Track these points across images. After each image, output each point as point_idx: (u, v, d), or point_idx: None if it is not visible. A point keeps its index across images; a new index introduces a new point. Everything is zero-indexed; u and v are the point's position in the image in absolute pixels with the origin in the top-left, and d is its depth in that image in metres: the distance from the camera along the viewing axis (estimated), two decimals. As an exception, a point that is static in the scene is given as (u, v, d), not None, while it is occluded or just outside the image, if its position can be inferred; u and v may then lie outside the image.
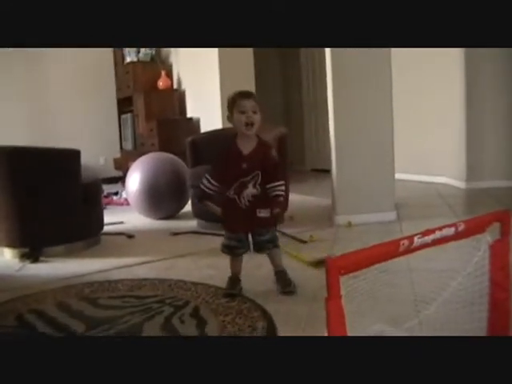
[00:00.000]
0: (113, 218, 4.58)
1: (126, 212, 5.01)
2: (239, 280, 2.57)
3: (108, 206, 5.36)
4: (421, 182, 5.85)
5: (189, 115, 6.91)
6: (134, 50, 7.26)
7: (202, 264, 3.11)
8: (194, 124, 6.62)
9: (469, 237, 1.41)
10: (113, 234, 4.04)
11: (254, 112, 2.37)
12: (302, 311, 2.26)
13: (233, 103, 2.39)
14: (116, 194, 5.93)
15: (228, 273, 2.59)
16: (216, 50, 5.91)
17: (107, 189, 5.85)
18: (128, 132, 7.56)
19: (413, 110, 5.94)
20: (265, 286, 2.61)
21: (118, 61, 7.74)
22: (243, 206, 2.45)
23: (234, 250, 2.52)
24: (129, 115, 7.48)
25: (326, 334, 1.13)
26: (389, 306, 1.98)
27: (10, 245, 3.52)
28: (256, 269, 2.61)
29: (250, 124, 2.37)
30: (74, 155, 3.59)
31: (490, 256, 1.47)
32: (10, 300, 2.65)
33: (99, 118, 7.76)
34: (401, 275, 2.53)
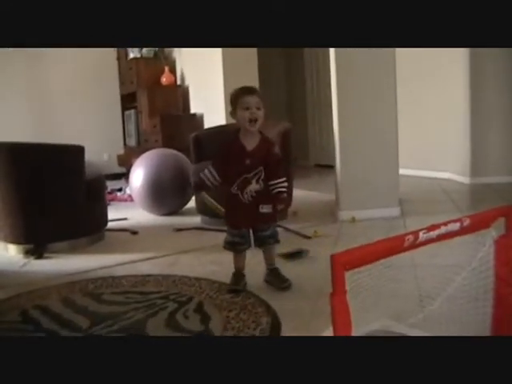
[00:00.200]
0: (116, 215, 4.58)
1: (130, 208, 5.02)
2: (243, 275, 2.57)
3: (112, 203, 5.36)
4: (425, 178, 5.84)
5: (192, 111, 6.90)
6: (137, 45, 7.25)
7: (206, 260, 3.12)
8: (197, 120, 6.61)
9: (474, 232, 1.41)
10: (116, 230, 4.05)
11: (258, 108, 2.36)
12: (306, 306, 2.26)
13: (236, 99, 2.38)
14: (120, 190, 5.94)
15: (232, 268, 2.59)
16: (219, 45, 5.90)
17: (111, 185, 5.86)
18: (131, 128, 7.55)
19: (417, 106, 5.92)
20: (269, 282, 2.61)
21: (121, 57, 7.73)
22: (246, 201, 2.44)
23: (237, 247, 2.52)
24: (132, 111, 7.48)
25: (330, 330, 1.13)
26: (393, 301, 1.98)
27: (15, 241, 3.53)
28: (259, 265, 2.61)
29: (253, 120, 2.36)
30: (77, 151, 3.59)
31: (495, 251, 1.47)
32: (15, 296, 2.66)
33: (103, 115, 7.77)
34: (405, 271, 2.53)
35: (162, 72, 7.04)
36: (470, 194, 5.02)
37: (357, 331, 1.19)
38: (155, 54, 7.29)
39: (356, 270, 1.15)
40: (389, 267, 1.33)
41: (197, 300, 2.44)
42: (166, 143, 6.09)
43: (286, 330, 2.04)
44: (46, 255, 3.41)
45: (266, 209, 2.44)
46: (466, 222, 1.35)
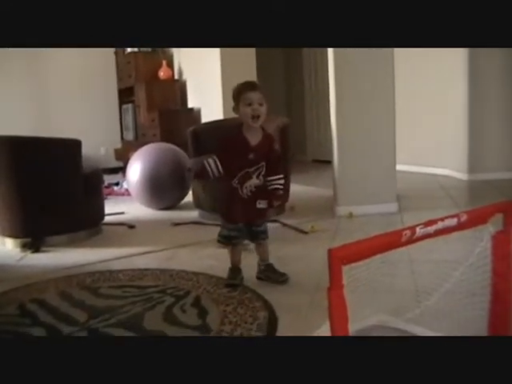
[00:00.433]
0: (114, 209, 4.58)
1: (127, 202, 5.02)
2: (240, 270, 2.58)
3: (109, 197, 5.36)
4: (423, 174, 5.84)
5: (190, 106, 6.89)
6: (135, 40, 7.21)
7: (203, 254, 3.12)
8: (195, 114, 6.60)
9: (471, 228, 1.41)
10: (114, 225, 4.04)
11: (261, 104, 2.35)
12: (303, 301, 2.26)
13: (239, 95, 2.37)
14: (117, 184, 5.93)
15: (229, 263, 2.59)
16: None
17: (108, 179, 5.84)
18: (129, 122, 7.53)
19: (415, 102, 5.92)
20: (266, 277, 2.61)
21: (119, 51, 7.71)
22: (245, 196, 2.45)
23: (233, 240, 2.52)
24: (130, 105, 7.46)
25: (327, 324, 1.13)
26: (390, 296, 1.98)
27: (12, 235, 3.53)
28: (257, 259, 2.61)
29: (256, 117, 2.35)
30: (74, 145, 3.59)
31: (493, 247, 1.47)
32: (12, 289, 2.66)
33: (100, 109, 7.75)
34: (402, 266, 2.53)
35: (160, 66, 7.02)
36: (467, 190, 5.02)
37: (354, 326, 1.20)
38: (153, 48, 7.26)
39: (353, 264, 1.15)
40: (386, 262, 1.33)
41: (194, 294, 2.44)
42: (164, 137, 6.08)
43: (283, 325, 2.04)
44: (43, 249, 3.41)
45: (262, 204, 2.45)
46: (464, 218, 1.35)
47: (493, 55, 5.21)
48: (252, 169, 2.43)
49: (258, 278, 2.59)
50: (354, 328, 1.20)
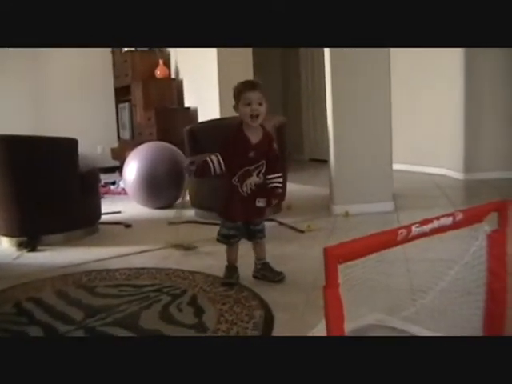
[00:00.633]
0: (110, 208, 4.58)
1: (124, 201, 5.01)
2: (236, 268, 2.58)
3: (105, 196, 5.35)
4: (419, 173, 5.85)
5: (186, 105, 6.89)
6: (132, 38, 7.20)
7: (200, 253, 3.12)
8: (191, 113, 6.59)
9: (466, 226, 1.42)
10: (110, 224, 4.04)
11: (260, 104, 2.37)
12: (299, 300, 2.27)
13: (239, 94, 2.39)
14: (113, 183, 5.93)
15: (225, 261, 2.59)
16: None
17: (105, 178, 5.84)
18: (126, 121, 7.52)
19: (411, 101, 5.93)
20: (262, 276, 2.61)
21: (116, 50, 7.69)
22: (244, 194, 2.45)
23: (231, 239, 2.53)
24: (126, 104, 7.44)
25: (323, 323, 1.13)
26: (386, 294, 1.99)
27: (8, 233, 3.52)
28: (252, 258, 2.62)
29: (254, 116, 2.37)
30: (71, 144, 3.58)
31: (488, 246, 1.47)
32: (9, 288, 2.66)
33: (97, 107, 7.74)
34: (398, 264, 2.54)
35: (157, 65, 7.01)
36: (463, 189, 5.04)
37: (350, 325, 1.20)
38: (150, 47, 7.26)
39: (349, 263, 1.15)
40: (382, 261, 1.33)
41: (190, 293, 2.44)
42: (161, 136, 6.07)
43: (279, 324, 2.05)
44: (39, 248, 3.40)
45: (261, 203, 2.47)
46: (459, 217, 1.36)
47: (489, 55, 5.22)
48: (252, 167, 2.44)
49: (255, 276, 2.60)
50: (350, 327, 1.21)
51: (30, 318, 2.25)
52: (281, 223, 3.71)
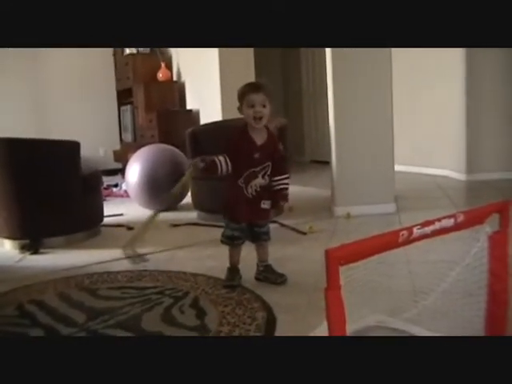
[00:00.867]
0: (113, 210, 4.58)
1: (126, 204, 5.01)
2: (238, 270, 2.58)
3: (108, 198, 5.36)
4: (421, 174, 5.84)
5: (188, 107, 6.90)
6: (134, 41, 7.20)
7: (202, 255, 3.12)
8: (193, 116, 6.60)
9: (468, 228, 1.42)
10: (112, 226, 4.05)
11: (264, 106, 2.38)
12: (301, 301, 2.27)
13: (243, 96, 2.40)
14: (116, 185, 5.93)
15: (228, 263, 2.59)
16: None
17: (107, 181, 5.84)
18: (128, 123, 7.53)
19: (413, 102, 5.92)
20: (264, 277, 2.62)
21: (118, 52, 7.71)
22: (250, 196, 2.46)
23: (235, 241, 2.53)
24: (128, 107, 7.46)
25: (325, 325, 1.13)
26: (388, 296, 1.99)
27: (10, 236, 3.53)
28: (254, 260, 2.62)
29: (258, 118, 2.38)
30: (73, 147, 3.59)
31: (489, 247, 1.47)
32: (11, 290, 2.66)
33: (99, 110, 7.74)
34: (400, 266, 2.54)
35: (159, 68, 7.02)
36: (465, 190, 5.03)
37: (351, 326, 1.20)
38: (151, 49, 7.27)
39: (351, 265, 1.16)
40: (383, 263, 1.33)
41: (192, 295, 2.45)
42: (163, 139, 6.08)
43: (282, 325, 2.05)
44: (41, 250, 3.41)
45: (266, 205, 2.48)
46: (460, 218, 1.36)
47: (490, 55, 5.22)
48: (258, 168, 2.45)
49: (257, 278, 2.60)
50: (351, 328, 1.21)
51: (33, 320, 2.25)
52: (283, 225, 3.71)
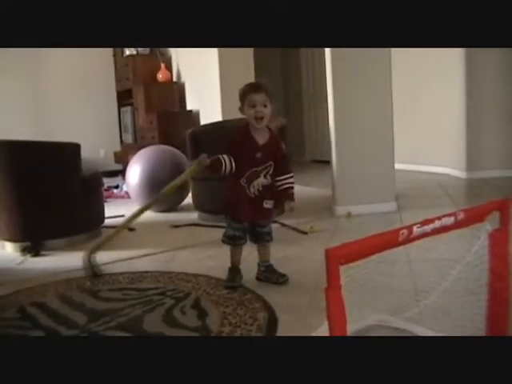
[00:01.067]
0: (113, 211, 4.57)
1: (127, 205, 5.01)
2: (239, 270, 2.58)
3: (108, 200, 5.36)
4: (421, 173, 5.84)
5: (188, 108, 6.90)
6: (133, 42, 7.21)
7: (203, 256, 3.12)
8: (193, 116, 6.60)
9: (468, 226, 1.41)
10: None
11: (265, 106, 2.38)
12: (303, 301, 2.27)
13: (244, 96, 2.41)
14: (116, 187, 5.93)
15: (229, 264, 2.59)
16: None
17: (107, 182, 5.85)
18: (128, 125, 7.53)
19: (412, 101, 5.93)
20: (265, 278, 2.61)
21: (117, 53, 7.71)
22: (252, 195, 2.46)
23: (237, 241, 2.53)
24: (129, 108, 7.46)
25: (326, 324, 1.13)
26: (389, 295, 1.99)
27: (11, 238, 3.53)
28: (256, 260, 2.62)
29: (259, 118, 2.38)
30: (74, 149, 3.59)
31: (490, 245, 1.47)
32: (12, 293, 2.66)
33: (99, 111, 7.75)
34: (400, 265, 2.54)
35: (158, 68, 7.03)
36: (466, 188, 5.03)
37: (352, 326, 1.20)
38: (151, 50, 7.27)
39: (351, 264, 1.15)
40: (384, 262, 1.33)
41: (194, 296, 2.44)
42: (163, 140, 6.08)
43: (283, 326, 2.05)
44: (42, 252, 3.41)
45: (269, 204, 2.49)
46: (461, 216, 1.35)
47: (490, 55, 5.22)
48: (260, 168, 2.45)
49: (258, 278, 2.60)
50: (352, 328, 1.20)
51: (34, 322, 2.25)
52: (284, 225, 3.71)
